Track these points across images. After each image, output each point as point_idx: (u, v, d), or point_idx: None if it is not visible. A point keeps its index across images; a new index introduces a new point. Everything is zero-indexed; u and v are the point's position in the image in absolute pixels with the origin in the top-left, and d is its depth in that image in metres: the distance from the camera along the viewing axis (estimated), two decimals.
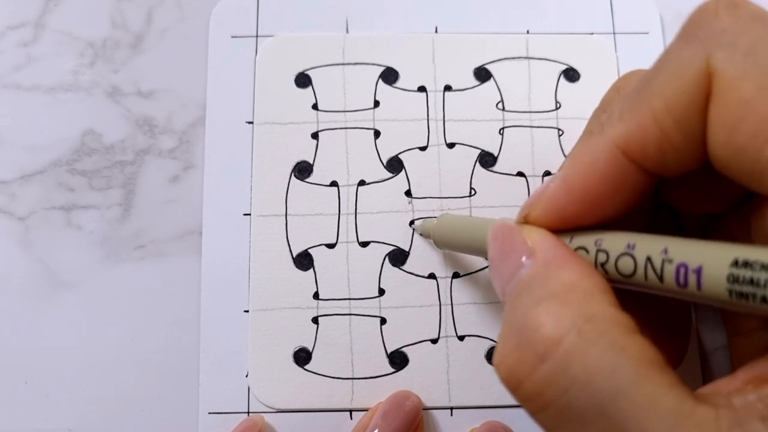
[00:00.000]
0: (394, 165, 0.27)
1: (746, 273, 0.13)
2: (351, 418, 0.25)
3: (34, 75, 0.28)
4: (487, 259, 0.19)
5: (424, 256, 0.26)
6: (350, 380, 0.25)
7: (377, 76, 0.28)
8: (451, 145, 0.27)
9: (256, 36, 0.28)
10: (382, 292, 0.26)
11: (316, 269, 0.26)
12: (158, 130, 0.28)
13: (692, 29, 0.15)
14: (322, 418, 0.25)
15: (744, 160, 0.14)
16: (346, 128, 0.27)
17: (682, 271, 0.14)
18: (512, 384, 0.15)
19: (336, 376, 0.25)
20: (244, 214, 0.27)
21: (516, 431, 0.25)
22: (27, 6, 0.29)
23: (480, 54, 0.28)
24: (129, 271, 0.26)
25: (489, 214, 0.27)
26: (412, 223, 0.27)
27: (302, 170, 0.27)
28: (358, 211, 0.27)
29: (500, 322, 0.26)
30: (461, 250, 0.24)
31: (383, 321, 0.26)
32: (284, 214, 0.27)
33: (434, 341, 0.26)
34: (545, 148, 0.27)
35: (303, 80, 0.28)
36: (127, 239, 0.27)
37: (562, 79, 0.28)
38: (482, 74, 0.28)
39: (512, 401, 0.25)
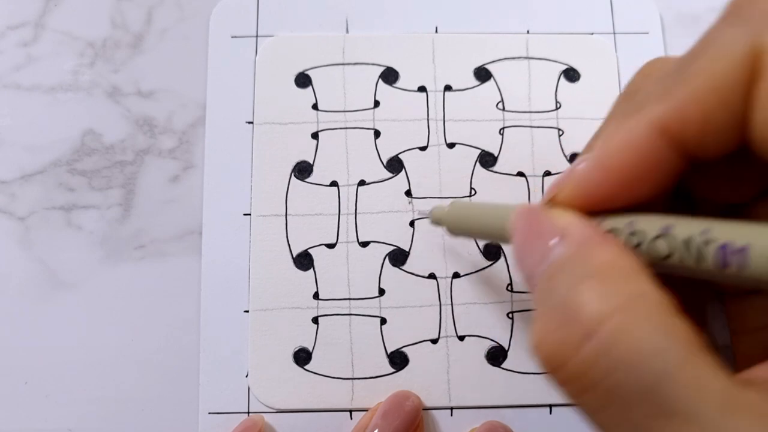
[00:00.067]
0: (394, 165, 0.27)
1: None
2: (351, 418, 0.25)
3: (34, 75, 0.28)
4: (504, 243, 0.19)
5: (424, 256, 0.26)
6: (350, 380, 0.25)
7: (377, 76, 0.28)
8: (451, 145, 0.27)
9: (256, 36, 0.28)
10: (382, 292, 0.26)
11: (316, 269, 0.26)
12: (158, 130, 0.28)
13: (736, 11, 0.15)
14: (322, 418, 0.25)
15: None
16: (346, 128, 0.27)
17: (723, 252, 0.14)
18: (554, 364, 0.15)
19: (336, 376, 0.25)
20: (244, 214, 0.27)
21: (516, 431, 0.25)
22: (27, 6, 0.29)
23: (480, 54, 0.28)
24: (129, 271, 0.26)
25: None
26: (412, 223, 0.27)
27: (302, 170, 0.27)
28: (358, 211, 0.27)
29: (500, 322, 0.26)
30: (477, 236, 0.24)
31: (383, 321, 0.26)
32: (284, 214, 0.27)
33: (434, 341, 0.26)
34: (545, 148, 0.27)
35: (303, 80, 0.28)
36: (127, 239, 0.27)
37: (562, 79, 0.28)
38: (482, 74, 0.28)
39: (512, 401, 0.25)
